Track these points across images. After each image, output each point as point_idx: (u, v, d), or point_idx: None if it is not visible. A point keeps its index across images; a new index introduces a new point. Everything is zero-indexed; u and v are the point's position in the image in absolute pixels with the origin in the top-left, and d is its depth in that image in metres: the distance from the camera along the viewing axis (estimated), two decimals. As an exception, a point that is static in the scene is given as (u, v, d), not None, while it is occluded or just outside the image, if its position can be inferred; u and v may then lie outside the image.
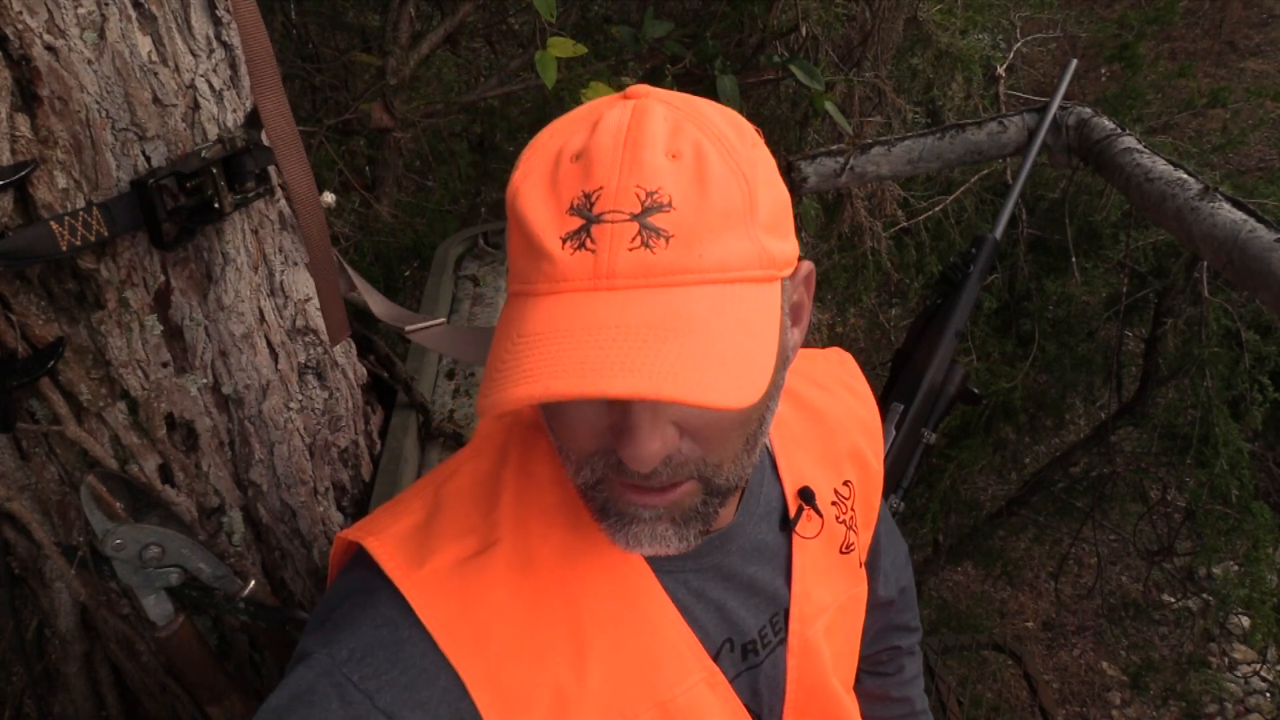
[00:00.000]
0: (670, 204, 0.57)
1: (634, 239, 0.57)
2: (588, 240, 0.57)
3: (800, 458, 0.84)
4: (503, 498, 0.71)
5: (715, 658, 0.76)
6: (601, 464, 0.63)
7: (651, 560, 0.73)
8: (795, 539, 0.81)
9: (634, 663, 0.70)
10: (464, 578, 0.67)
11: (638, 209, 0.57)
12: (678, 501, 0.63)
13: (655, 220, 0.57)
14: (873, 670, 1.05)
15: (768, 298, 0.61)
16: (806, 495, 0.82)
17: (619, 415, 0.59)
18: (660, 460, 0.60)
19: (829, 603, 0.84)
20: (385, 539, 0.69)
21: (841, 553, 0.86)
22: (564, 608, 0.69)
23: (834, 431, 0.88)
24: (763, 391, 0.56)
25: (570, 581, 0.70)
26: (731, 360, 0.56)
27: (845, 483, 0.88)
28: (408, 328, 1.29)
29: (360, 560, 0.69)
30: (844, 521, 0.86)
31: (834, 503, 0.86)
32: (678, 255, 0.57)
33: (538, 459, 0.73)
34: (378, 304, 1.30)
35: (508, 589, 0.68)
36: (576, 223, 0.57)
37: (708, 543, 0.75)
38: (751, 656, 0.79)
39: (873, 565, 0.97)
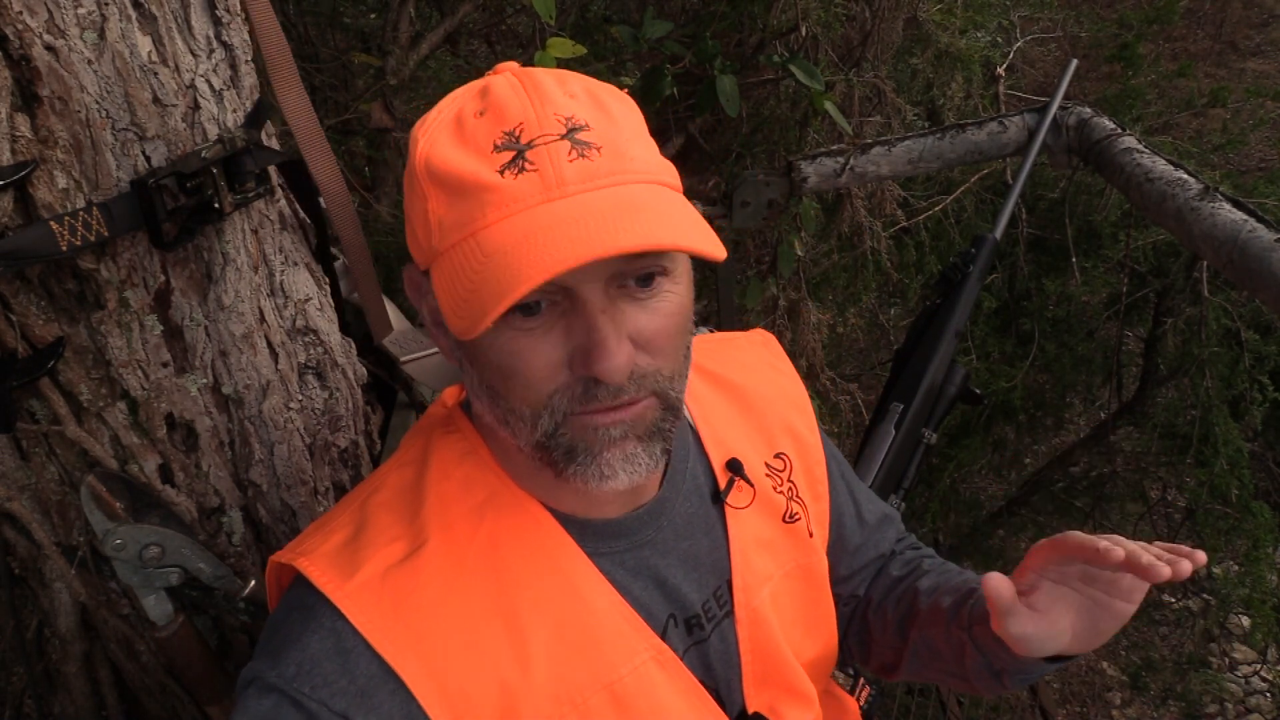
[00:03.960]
0: (587, 125, 0.64)
1: (570, 153, 0.62)
2: (526, 164, 0.62)
3: (725, 433, 0.86)
4: (426, 502, 0.72)
5: (663, 635, 0.76)
6: (565, 400, 0.65)
7: (584, 543, 0.74)
8: (728, 510, 0.83)
9: (577, 648, 0.71)
10: (395, 582, 0.68)
11: (563, 130, 0.63)
12: (641, 415, 0.67)
13: (582, 137, 0.63)
14: (901, 599, 0.97)
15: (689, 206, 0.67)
16: (735, 466, 0.84)
17: (582, 336, 0.63)
18: (629, 369, 0.64)
19: (773, 571, 0.85)
20: (316, 558, 0.70)
21: (785, 522, 0.87)
22: (499, 601, 0.70)
23: (761, 408, 0.90)
24: (725, 254, 0.63)
25: (502, 574, 0.71)
26: (696, 226, 0.63)
27: (778, 455, 0.89)
28: (403, 359, 1.29)
29: (298, 581, 0.71)
30: (782, 492, 0.88)
31: (767, 474, 0.87)
32: (612, 161, 0.64)
33: (454, 461, 0.75)
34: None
35: (440, 587, 0.69)
36: (508, 155, 0.62)
37: (636, 519, 0.77)
38: (697, 631, 0.80)
39: (839, 534, 0.97)
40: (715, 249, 0.62)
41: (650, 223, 0.61)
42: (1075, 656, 0.79)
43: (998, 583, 0.73)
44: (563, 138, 0.63)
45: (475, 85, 0.69)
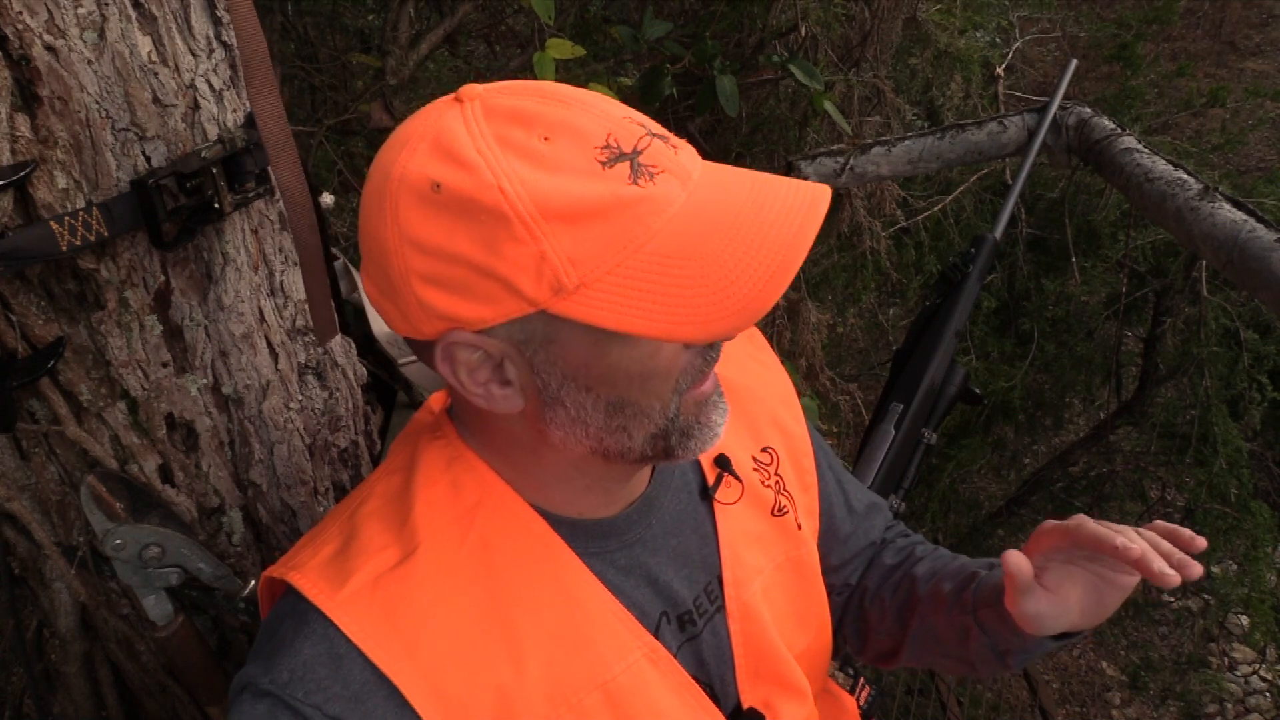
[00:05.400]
0: (643, 121, 0.64)
1: (668, 147, 0.63)
2: (651, 169, 0.62)
3: None
4: (415, 508, 0.72)
5: (655, 632, 0.77)
6: (687, 379, 0.68)
7: (575, 544, 0.74)
8: (716, 505, 0.83)
9: (570, 648, 0.71)
10: (386, 589, 0.68)
11: (644, 130, 0.63)
12: (716, 373, 0.72)
13: (656, 131, 0.64)
14: (898, 586, 0.98)
15: None
16: (723, 462, 0.84)
17: None
18: None
19: (763, 565, 0.86)
20: (307, 571, 0.70)
21: (773, 515, 0.88)
22: (491, 604, 0.70)
23: (746, 402, 0.90)
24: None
25: (494, 577, 0.70)
26: (785, 179, 0.67)
27: (765, 449, 0.90)
28: (401, 360, 1.29)
29: (290, 590, 0.70)
30: (769, 485, 0.88)
31: (755, 468, 0.88)
32: (685, 145, 0.66)
33: (442, 466, 0.74)
34: (380, 319, 1.30)
35: (432, 593, 0.68)
36: (623, 166, 0.61)
37: (625, 518, 0.77)
38: (690, 627, 0.80)
39: (829, 523, 0.98)
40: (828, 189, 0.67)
41: (792, 183, 0.65)
42: (1080, 634, 0.80)
43: (1019, 560, 0.75)
44: (652, 136, 0.63)
45: (474, 115, 0.62)
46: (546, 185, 0.59)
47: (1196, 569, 0.69)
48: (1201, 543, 0.72)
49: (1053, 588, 0.76)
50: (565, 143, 0.61)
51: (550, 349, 0.64)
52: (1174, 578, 0.68)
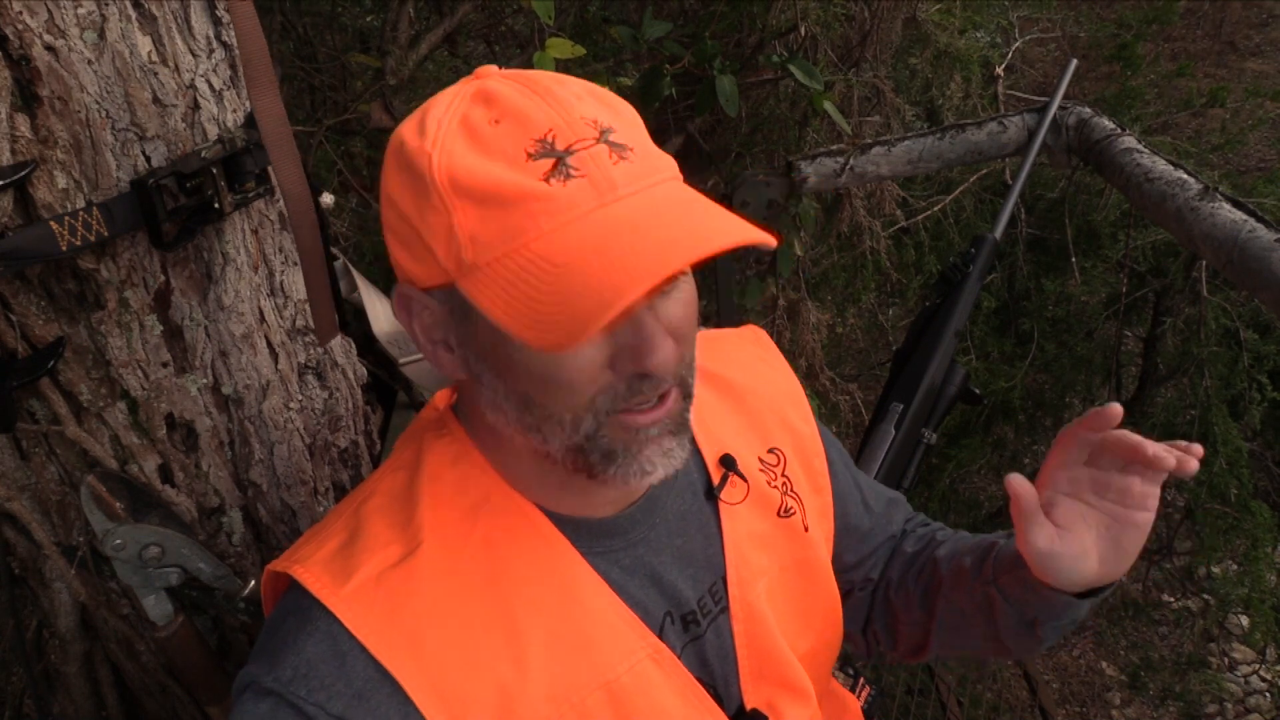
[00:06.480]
0: (613, 128, 0.63)
1: (611, 156, 0.62)
2: (571, 171, 0.61)
3: (718, 429, 0.86)
4: (420, 505, 0.72)
5: (659, 633, 0.77)
6: (608, 400, 0.66)
7: (579, 543, 0.74)
8: (722, 506, 0.83)
9: (573, 648, 0.71)
10: (389, 585, 0.68)
11: (597, 135, 0.63)
12: (671, 411, 0.69)
13: (614, 139, 0.63)
14: (920, 571, 0.98)
15: None
16: (728, 462, 0.84)
17: (629, 336, 0.64)
18: (678, 361, 0.66)
19: (768, 566, 0.85)
20: (310, 565, 0.70)
21: (780, 516, 0.87)
22: (495, 603, 0.70)
23: (753, 403, 0.90)
24: (776, 242, 0.64)
25: (498, 576, 0.71)
26: (742, 220, 0.63)
27: (771, 450, 0.89)
28: (402, 360, 1.29)
29: (293, 585, 0.71)
30: (776, 486, 0.88)
31: (761, 469, 0.87)
32: (647, 162, 0.64)
33: (447, 464, 0.75)
34: (380, 319, 1.30)
35: (436, 590, 0.69)
36: (547, 163, 0.61)
37: (629, 517, 0.77)
38: (693, 627, 0.80)
39: (846, 521, 0.97)
40: (769, 238, 0.63)
41: (716, 220, 0.63)
42: (1106, 590, 0.79)
43: (1022, 483, 0.75)
44: (599, 142, 0.62)
45: (465, 92, 0.66)
46: (466, 162, 0.62)
47: (1193, 465, 0.72)
48: (1198, 450, 0.73)
49: (1064, 524, 0.76)
50: (509, 129, 0.63)
51: (465, 325, 0.67)
52: (1191, 463, 0.71)
